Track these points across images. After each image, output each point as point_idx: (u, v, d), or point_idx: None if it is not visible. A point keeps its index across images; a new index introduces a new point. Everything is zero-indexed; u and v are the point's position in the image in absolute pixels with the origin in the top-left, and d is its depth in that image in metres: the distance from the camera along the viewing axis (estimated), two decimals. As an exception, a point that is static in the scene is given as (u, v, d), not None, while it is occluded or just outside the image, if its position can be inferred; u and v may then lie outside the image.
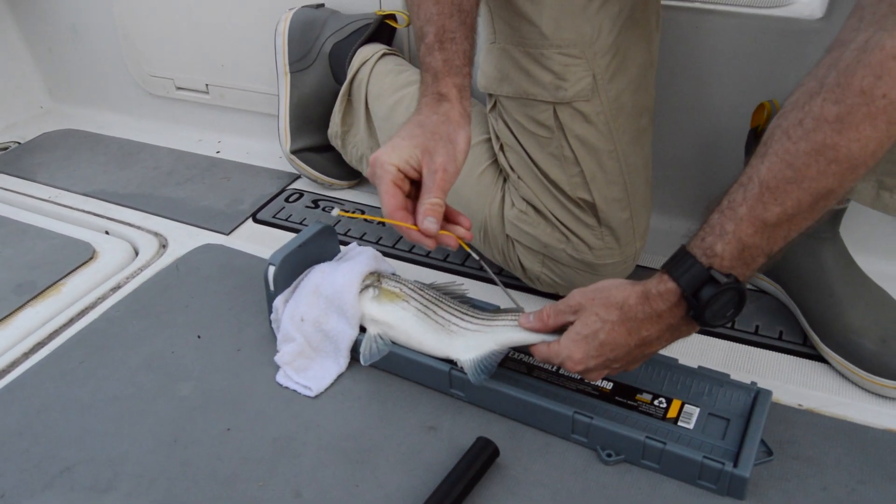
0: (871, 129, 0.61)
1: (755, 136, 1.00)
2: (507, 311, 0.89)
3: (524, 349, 0.88)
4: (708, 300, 0.69)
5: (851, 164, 0.63)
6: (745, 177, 0.68)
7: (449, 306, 0.91)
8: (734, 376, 0.88)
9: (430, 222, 0.79)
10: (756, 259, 0.69)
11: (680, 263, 0.71)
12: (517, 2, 0.89)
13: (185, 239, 1.26)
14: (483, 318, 0.89)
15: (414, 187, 0.83)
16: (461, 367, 0.86)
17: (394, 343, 0.92)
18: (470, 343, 0.88)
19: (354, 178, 1.41)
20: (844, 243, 0.99)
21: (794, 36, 1.05)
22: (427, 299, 0.92)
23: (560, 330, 0.81)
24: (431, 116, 0.83)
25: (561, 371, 0.91)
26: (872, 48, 0.60)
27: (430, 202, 0.79)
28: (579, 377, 0.90)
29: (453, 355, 0.88)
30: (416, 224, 0.80)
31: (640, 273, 1.07)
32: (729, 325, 1.03)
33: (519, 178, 0.99)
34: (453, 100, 0.84)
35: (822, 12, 1.05)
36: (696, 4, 1.11)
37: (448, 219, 0.84)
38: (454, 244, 0.83)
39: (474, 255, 0.89)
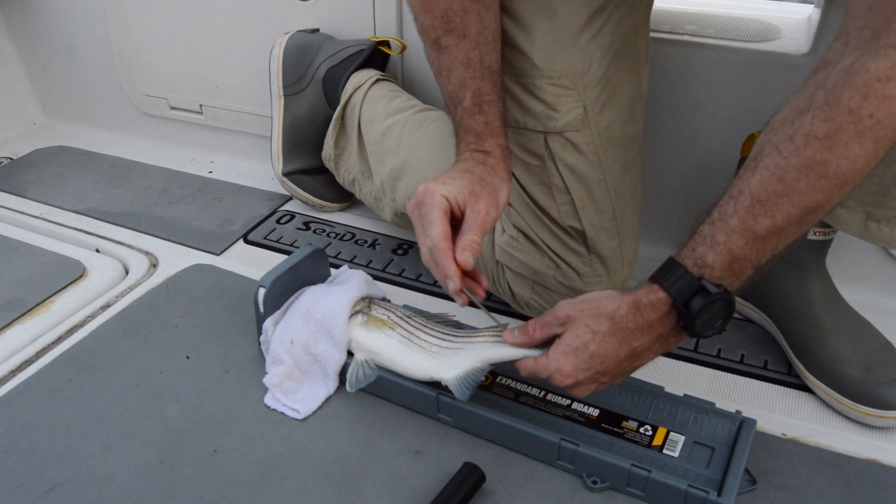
0: (859, 147, 0.63)
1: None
2: (488, 327, 0.89)
3: (511, 370, 0.89)
4: (698, 310, 0.69)
5: (840, 180, 0.64)
6: (735, 189, 0.69)
7: (431, 329, 0.91)
8: (719, 405, 0.89)
9: (467, 256, 0.79)
10: (745, 270, 0.70)
11: (670, 273, 0.71)
12: (510, 32, 0.91)
13: (175, 259, 1.26)
14: (463, 336, 0.89)
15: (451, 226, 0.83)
16: (446, 386, 0.86)
17: (381, 368, 0.92)
18: (451, 361, 0.87)
19: (345, 200, 1.42)
20: (829, 274, 1.01)
21: (781, 69, 1.08)
22: (413, 326, 0.92)
23: (545, 344, 0.81)
24: (478, 166, 0.84)
25: (548, 397, 0.91)
26: (858, 70, 0.62)
27: (470, 238, 0.80)
28: (567, 403, 0.90)
29: (436, 375, 0.87)
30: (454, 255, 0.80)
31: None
32: (715, 354, 1.04)
33: (510, 205, 1.00)
34: (498, 158, 0.86)
35: (807, 48, 1.07)
36: (686, 38, 1.13)
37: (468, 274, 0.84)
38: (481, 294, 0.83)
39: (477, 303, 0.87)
